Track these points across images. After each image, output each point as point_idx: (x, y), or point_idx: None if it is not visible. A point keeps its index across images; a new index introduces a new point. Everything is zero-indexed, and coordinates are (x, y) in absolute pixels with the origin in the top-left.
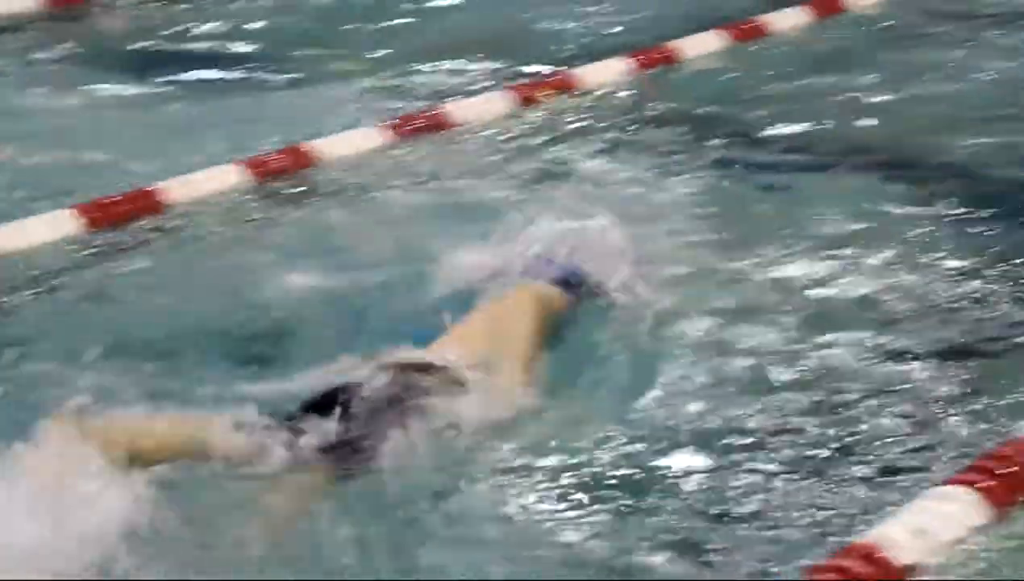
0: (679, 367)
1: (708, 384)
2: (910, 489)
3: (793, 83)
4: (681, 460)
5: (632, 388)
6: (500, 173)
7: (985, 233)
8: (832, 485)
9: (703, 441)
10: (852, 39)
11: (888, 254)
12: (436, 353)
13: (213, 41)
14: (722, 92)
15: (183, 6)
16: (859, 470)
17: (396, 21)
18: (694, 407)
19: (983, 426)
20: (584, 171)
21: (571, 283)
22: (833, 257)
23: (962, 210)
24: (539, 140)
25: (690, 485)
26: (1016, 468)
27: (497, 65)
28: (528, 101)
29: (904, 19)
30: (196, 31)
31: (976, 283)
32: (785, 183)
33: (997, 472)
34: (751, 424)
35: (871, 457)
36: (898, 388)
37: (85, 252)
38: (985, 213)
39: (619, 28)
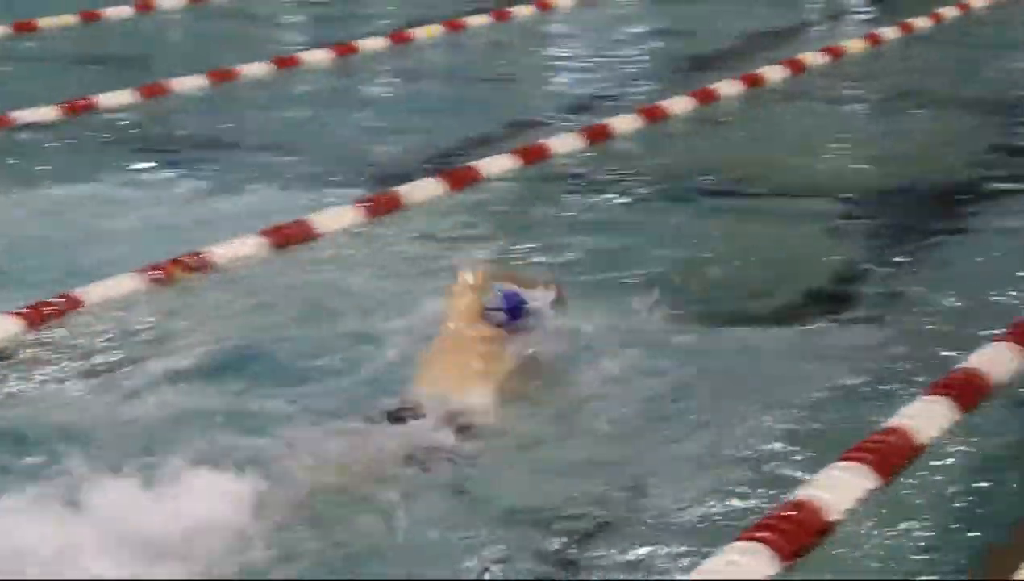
0: None
1: None
2: None
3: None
4: None
5: None
6: (136, 354)
7: None
8: None
9: None
10: (483, 209)
11: None
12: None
13: None
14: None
15: None
16: None
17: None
18: None
19: None
20: None
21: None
22: None
23: None
24: (174, 320)
25: None
26: None
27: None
28: (162, 280)
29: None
30: None
31: None
32: None
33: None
34: None
35: None
36: None
37: None
38: None
39: (248, 201)
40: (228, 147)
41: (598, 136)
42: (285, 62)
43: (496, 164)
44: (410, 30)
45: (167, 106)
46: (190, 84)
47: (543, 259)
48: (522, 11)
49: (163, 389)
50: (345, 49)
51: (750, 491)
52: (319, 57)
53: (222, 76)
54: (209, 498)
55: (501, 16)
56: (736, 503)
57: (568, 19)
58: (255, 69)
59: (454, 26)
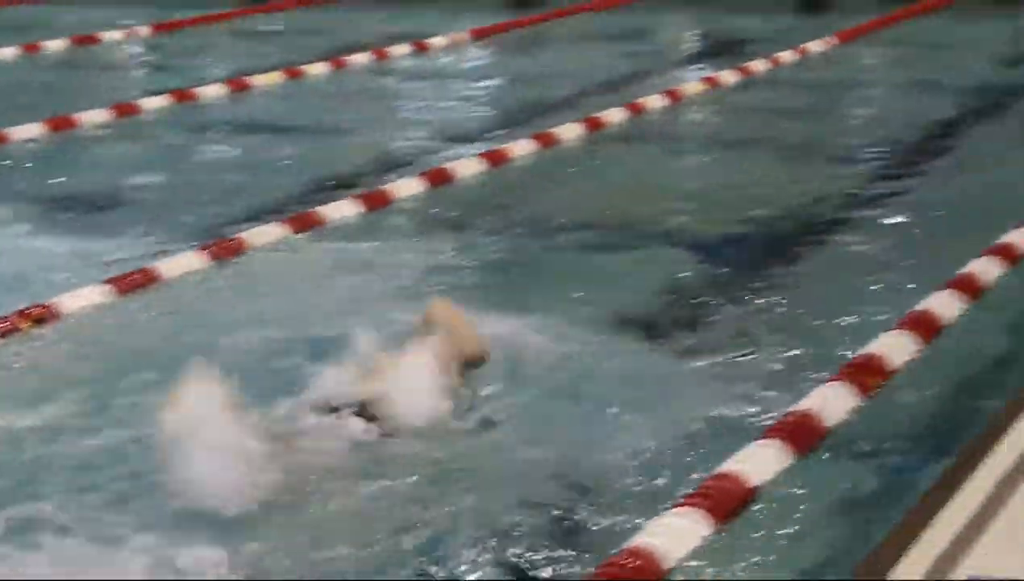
0: None
1: None
2: None
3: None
4: None
5: None
6: None
7: None
8: None
9: None
10: (326, 254)
11: None
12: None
13: None
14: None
15: None
16: None
17: None
18: None
19: None
20: None
21: None
22: None
23: None
24: (21, 372)
25: None
26: None
27: None
28: (8, 332)
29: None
30: None
31: None
32: None
33: None
34: None
35: None
36: None
37: None
38: None
39: (91, 250)
40: (68, 196)
41: (439, 179)
42: (124, 109)
43: (339, 209)
44: (249, 77)
45: (5, 155)
46: (27, 132)
47: (388, 301)
48: (360, 59)
49: (13, 441)
50: (184, 96)
51: (581, 538)
52: (158, 104)
53: (59, 124)
54: None
55: (339, 64)
56: (563, 552)
57: (407, 67)
58: (93, 116)
59: (293, 74)
